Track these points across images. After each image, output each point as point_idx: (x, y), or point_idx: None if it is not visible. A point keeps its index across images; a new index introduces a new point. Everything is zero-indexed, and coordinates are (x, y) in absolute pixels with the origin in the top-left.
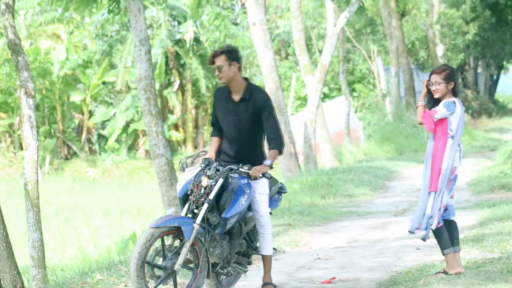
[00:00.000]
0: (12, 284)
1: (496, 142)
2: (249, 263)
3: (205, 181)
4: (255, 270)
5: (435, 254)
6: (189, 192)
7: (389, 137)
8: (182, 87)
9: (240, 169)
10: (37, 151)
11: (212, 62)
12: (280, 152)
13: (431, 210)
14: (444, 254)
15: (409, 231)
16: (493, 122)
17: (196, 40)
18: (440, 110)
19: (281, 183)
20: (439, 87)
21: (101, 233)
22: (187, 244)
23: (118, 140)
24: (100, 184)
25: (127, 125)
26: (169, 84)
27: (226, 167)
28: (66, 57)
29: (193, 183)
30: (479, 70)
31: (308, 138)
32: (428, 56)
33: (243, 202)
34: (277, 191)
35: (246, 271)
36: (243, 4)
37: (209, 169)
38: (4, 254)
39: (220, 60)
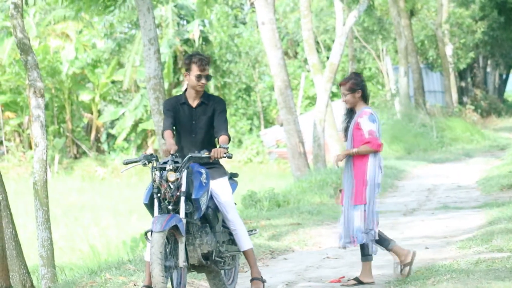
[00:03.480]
0: (21, 283)
1: (505, 141)
2: (239, 249)
3: (172, 176)
4: (264, 269)
5: (444, 253)
6: (155, 195)
7: (398, 137)
8: None
9: (201, 155)
10: (46, 151)
11: (203, 70)
12: (229, 139)
13: (365, 223)
14: (363, 262)
15: (342, 247)
16: (502, 121)
17: (205, 39)
18: (370, 125)
19: (230, 173)
20: (346, 98)
21: (110, 232)
22: (183, 240)
23: (127, 139)
24: (109, 184)
25: (136, 124)
26: (178, 83)
27: (186, 157)
28: (75, 56)
29: (158, 183)
30: (488, 69)
31: (317, 137)
32: (437, 55)
33: (204, 180)
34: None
35: (239, 252)
36: (252, 4)
37: (166, 163)
38: (14, 253)
39: (209, 70)
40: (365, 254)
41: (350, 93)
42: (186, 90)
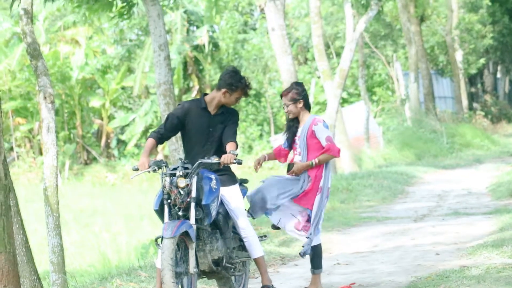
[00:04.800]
0: None
1: None
2: (249, 255)
3: (182, 182)
4: (274, 275)
5: (455, 259)
6: (165, 201)
7: (409, 142)
8: (201, 92)
9: (211, 161)
10: (57, 156)
11: (246, 94)
12: (237, 146)
13: (305, 229)
14: (313, 273)
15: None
16: None
17: (215, 45)
18: (327, 132)
19: (240, 179)
20: (289, 109)
21: (121, 238)
22: (194, 246)
23: (137, 145)
24: (119, 189)
25: (146, 130)
26: (188, 89)
27: (196, 163)
28: (85, 62)
29: (168, 189)
30: (499, 75)
31: None
32: (447, 61)
33: (214, 186)
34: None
35: (250, 258)
36: (262, 10)
37: (176, 169)
38: (24, 259)
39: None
40: (315, 267)
41: (292, 103)
42: (205, 94)
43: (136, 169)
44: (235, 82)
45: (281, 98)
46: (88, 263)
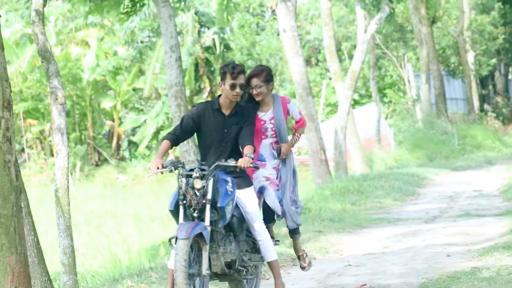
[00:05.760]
0: None
1: None
2: (262, 259)
3: (198, 183)
4: (286, 277)
5: (466, 261)
6: (180, 202)
7: (420, 144)
8: (212, 94)
9: (228, 164)
10: (68, 158)
11: (236, 78)
12: (254, 150)
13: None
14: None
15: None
16: None
17: (226, 46)
18: (297, 109)
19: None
20: (261, 90)
21: (132, 239)
22: (207, 248)
23: (148, 147)
24: (130, 191)
25: (157, 131)
26: (199, 90)
27: (213, 165)
28: (96, 64)
29: (184, 190)
30: (510, 76)
31: (338, 145)
32: (459, 62)
33: (230, 188)
34: None
35: (263, 261)
36: (273, 11)
37: (193, 170)
38: (35, 260)
39: (243, 78)
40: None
41: (266, 85)
42: (219, 96)
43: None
44: (220, 69)
45: (250, 80)
46: (99, 264)
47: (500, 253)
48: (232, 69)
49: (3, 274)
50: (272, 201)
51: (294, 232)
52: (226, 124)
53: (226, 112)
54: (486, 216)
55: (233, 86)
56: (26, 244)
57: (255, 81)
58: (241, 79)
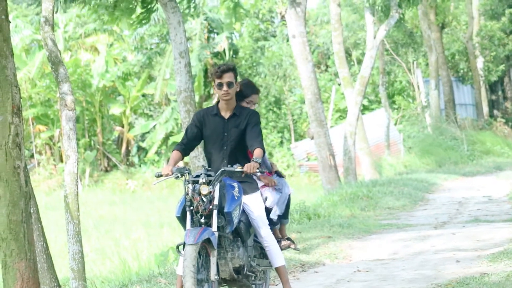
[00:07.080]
0: None
1: None
2: (270, 264)
3: (205, 189)
4: (294, 282)
5: (475, 266)
6: (187, 208)
7: (429, 149)
8: None
9: (234, 169)
10: (77, 163)
11: (220, 77)
12: (264, 152)
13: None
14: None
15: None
16: None
17: (235, 52)
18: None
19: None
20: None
21: (141, 245)
22: (215, 253)
23: (157, 153)
24: (140, 196)
25: (166, 137)
26: (209, 96)
27: (219, 170)
28: (105, 69)
29: (191, 196)
30: None
31: (348, 151)
32: (468, 68)
33: (236, 194)
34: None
35: (271, 266)
36: (283, 17)
37: (199, 176)
38: (45, 266)
39: (230, 77)
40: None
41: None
42: (218, 101)
43: (159, 176)
44: (210, 73)
45: (218, 78)
46: (108, 270)
47: (509, 258)
48: (217, 69)
49: (12, 280)
50: (270, 201)
51: (280, 218)
52: (225, 127)
53: (226, 115)
54: (495, 222)
55: (219, 85)
56: (36, 250)
57: (226, 78)
58: (227, 78)
